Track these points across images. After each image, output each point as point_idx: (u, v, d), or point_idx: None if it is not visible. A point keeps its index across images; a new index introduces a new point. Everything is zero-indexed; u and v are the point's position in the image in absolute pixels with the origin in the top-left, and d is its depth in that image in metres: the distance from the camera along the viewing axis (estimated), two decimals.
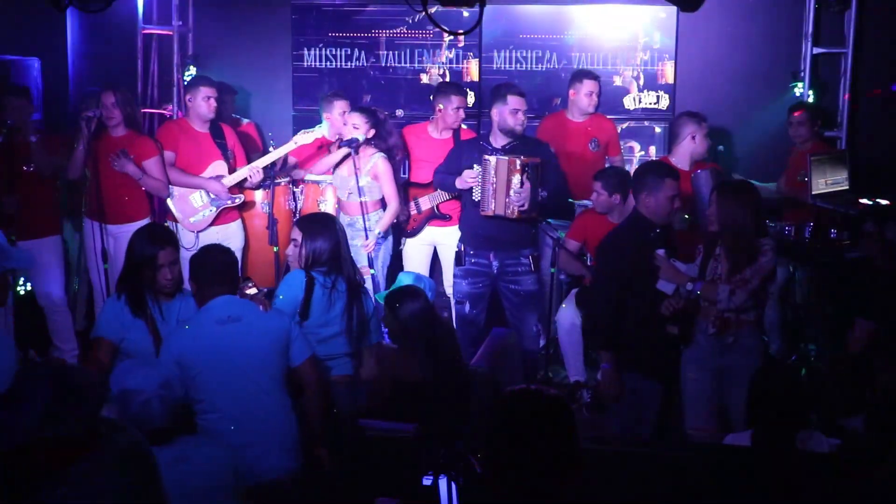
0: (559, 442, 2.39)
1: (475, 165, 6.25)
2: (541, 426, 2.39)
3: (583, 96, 6.99)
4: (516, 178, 6.05)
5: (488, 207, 6.19)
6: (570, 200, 6.84)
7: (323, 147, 7.09)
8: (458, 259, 6.47)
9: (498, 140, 6.30)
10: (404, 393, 4.85)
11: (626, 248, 5.13)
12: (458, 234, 6.76)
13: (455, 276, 6.53)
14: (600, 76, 7.13)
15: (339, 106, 6.99)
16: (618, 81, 7.78)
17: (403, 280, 5.47)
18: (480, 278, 6.41)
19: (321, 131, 7.05)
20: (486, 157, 6.18)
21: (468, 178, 6.28)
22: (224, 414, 4.05)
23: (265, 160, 6.89)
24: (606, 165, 7.05)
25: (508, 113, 6.21)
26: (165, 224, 7.12)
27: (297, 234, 4.91)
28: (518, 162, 6.05)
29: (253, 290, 4.71)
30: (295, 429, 4.21)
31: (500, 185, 6.10)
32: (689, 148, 6.39)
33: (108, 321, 4.49)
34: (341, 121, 6.91)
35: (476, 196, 6.26)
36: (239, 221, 6.98)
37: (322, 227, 4.90)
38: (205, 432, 4.02)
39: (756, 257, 4.93)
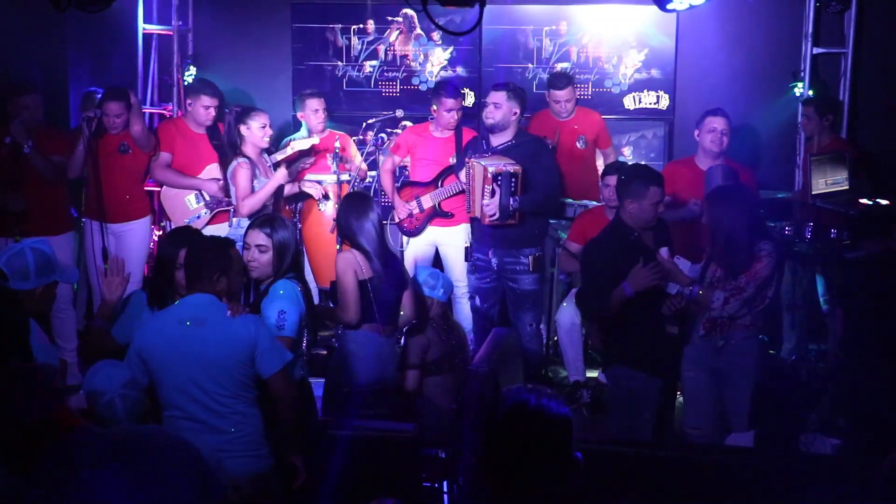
0: (556, 444, 2.39)
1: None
2: (538, 429, 2.39)
3: (552, 103, 7.08)
4: (488, 189, 6.10)
5: (469, 208, 6.34)
6: (568, 200, 6.83)
7: (321, 152, 7.09)
8: (467, 254, 6.55)
9: (496, 139, 6.33)
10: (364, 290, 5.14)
11: (606, 254, 5.15)
12: (461, 233, 6.83)
13: (467, 270, 6.63)
14: (571, 80, 7.15)
15: (312, 104, 7.05)
16: (617, 81, 7.78)
17: (421, 274, 5.55)
18: (485, 273, 6.47)
19: (317, 138, 7.04)
20: (467, 160, 6.30)
21: (462, 179, 6.36)
22: (180, 413, 3.99)
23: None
24: (599, 160, 7.18)
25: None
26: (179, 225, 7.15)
27: (261, 239, 4.61)
28: (490, 171, 6.06)
29: None
30: (252, 435, 4.05)
31: (477, 190, 6.18)
32: (699, 146, 6.41)
33: (127, 325, 4.51)
34: (314, 119, 7.04)
35: None
36: None
37: (284, 224, 4.69)
38: (169, 427, 3.96)
39: (750, 263, 4.93)
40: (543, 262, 6.48)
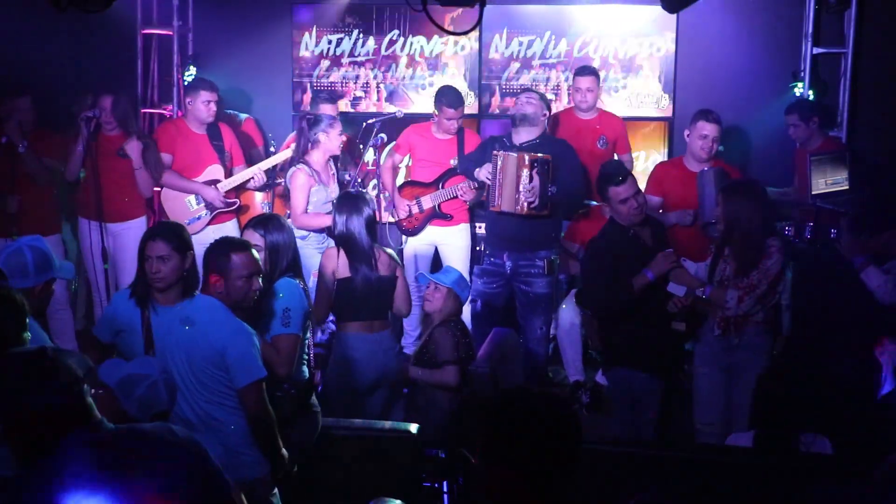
0: (568, 443, 2.37)
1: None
2: (544, 427, 2.36)
3: (574, 92, 7.05)
4: (525, 174, 6.04)
5: (495, 202, 6.22)
6: (588, 202, 6.84)
7: None
8: (479, 258, 6.53)
9: (519, 137, 6.31)
10: (340, 289, 5.27)
11: (606, 251, 5.16)
12: (460, 233, 6.84)
13: (472, 273, 6.62)
14: (596, 73, 7.12)
15: (325, 110, 7.01)
16: (618, 81, 7.77)
17: (451, 274, 5.53)
18: (495, 278, 6.45)
19: None
20: (495, 152, 6.22)
21: (484, 173, 6.30)
22: (176, 408, 3.96)
23: (266, 164, 6.91)
24: None
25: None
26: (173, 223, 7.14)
27: (255, 239, 4.59)
28: (527, 157, 6.04)
29: None
30: (232, 446, 3.99)
31: (509, 180, 6.11)
32: (688, 146, 6.40)
33: (103, 320, 4.53)
34: None
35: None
36: (235, 221, 6.98)
37: (280, 225, 4.72)
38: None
39: (761, 259, 4.94)
40: (556, 266, 6.46)
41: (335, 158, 6.68)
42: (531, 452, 2.34)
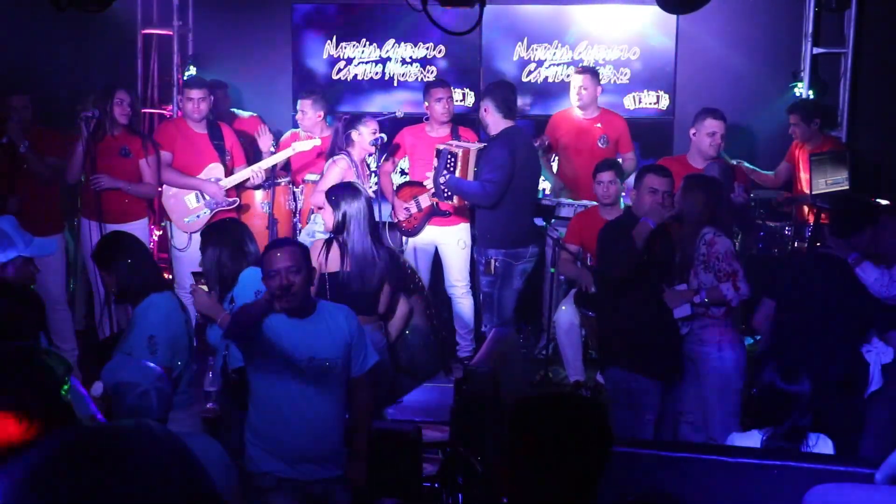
0: (598, 447, 2.34)
1: None
2: (583, 432, 2.33)
3: (570, 89, 7.10)
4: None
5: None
6: (568, 200, 6.88)
7: (322, 154, 7.08)
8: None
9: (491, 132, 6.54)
10: (331, 283, 5.05)
11: (622, 234, 5.16)
12: (460, 232, 6.90)
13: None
14: (591, 71, 7.16)
15: (300, 105, 7.15)
16: (618, 81, 7.77)
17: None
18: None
19: (319, 139, 7.04)
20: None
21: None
22: None
23: (265, 164, 6.90)
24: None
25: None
26: (163, 224, 7.14)
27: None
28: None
29: (204, 288, 4.58)
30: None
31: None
32: (693, 144, 6.38)
33: None
34: (305, 120, 7.14)
35: None
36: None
37: (219, 234, 4.69)
38: None
39: (707, 250, 5.01)
40: (500, 271, 6.41)
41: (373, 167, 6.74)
42: (578, 456, 2.29)
